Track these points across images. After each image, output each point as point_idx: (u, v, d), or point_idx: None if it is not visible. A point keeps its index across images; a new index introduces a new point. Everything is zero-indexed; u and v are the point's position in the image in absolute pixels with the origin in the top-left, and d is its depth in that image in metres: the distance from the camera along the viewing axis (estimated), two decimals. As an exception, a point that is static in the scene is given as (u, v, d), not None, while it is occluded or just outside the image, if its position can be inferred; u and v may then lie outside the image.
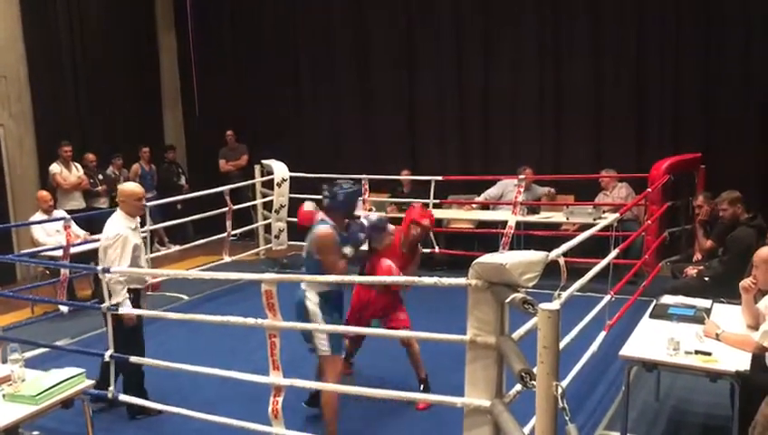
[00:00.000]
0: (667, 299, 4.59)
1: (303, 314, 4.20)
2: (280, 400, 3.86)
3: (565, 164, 8.84)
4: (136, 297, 4.80)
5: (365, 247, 4.70)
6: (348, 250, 4.37)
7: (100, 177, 9.66)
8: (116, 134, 10.51)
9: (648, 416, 4.51)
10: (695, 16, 8.42)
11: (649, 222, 7.03)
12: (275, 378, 3.88)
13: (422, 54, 10.21)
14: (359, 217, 4.58)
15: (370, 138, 10.50)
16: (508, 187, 8.70)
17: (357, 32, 10.62)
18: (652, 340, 3.88)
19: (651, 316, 4.35)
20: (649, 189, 6.96)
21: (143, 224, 8.23)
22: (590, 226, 6.16)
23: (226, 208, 8.69)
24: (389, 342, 4.98)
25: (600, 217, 7.44)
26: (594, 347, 4.78)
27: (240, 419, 3.94)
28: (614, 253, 5.62)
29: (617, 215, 5.96)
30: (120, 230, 4.73)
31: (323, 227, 4.24)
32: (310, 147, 10.59)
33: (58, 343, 5.58)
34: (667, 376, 4.69)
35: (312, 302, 4.18)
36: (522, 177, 8.15)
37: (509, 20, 9.50)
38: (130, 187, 5.10)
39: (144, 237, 8.25)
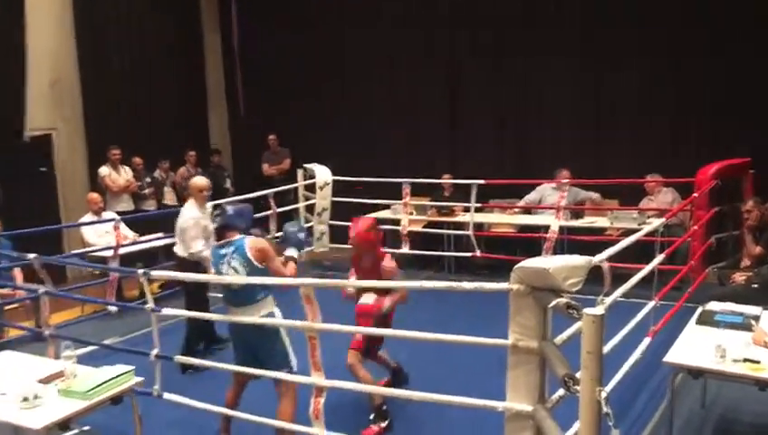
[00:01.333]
0: (713, 306, 4.51)
1: (268, 335, 4.15)
2: (321, 400, 3.90)
3: (609, 168, 8.71)
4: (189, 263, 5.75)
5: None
6: (291, 252, 4.48)
7: (148, 180, 9.88)
8: (163, 138, 10.72)
9: (693, 424, 4.44)
10: (742, 16, 8.23)
11: (695, 227, 6.90)
12: (317, 379, 3.93)
13: (464, 58, 10.22)
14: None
15: (412, 142, 10.53)
16: (546, 191, 8.65)
17: (401, 36, 10.66)
18: (698, 347, 3.82)
19: (697, 323, 4.28)
20: (696, 194, 6.84)
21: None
22: (634, 231, 6.07)
23: (270, 211, 8.81)
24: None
25: (645, 223, 7.34)
26: (638, 353, 4.72)
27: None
28: (659, 258, 5.54)
29: (662, 220, 5.88)
30: (193, 215, 5.87)
31: (248, 237, 4.25)
32: (352, 151, 10.63)
33: (106, 342, 5.71)
34: (714, 384, 4.61)
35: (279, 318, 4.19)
36: (565, 181, 8.09)
37: (551, 23, 9.44)
38: (196, 181, 6.19)
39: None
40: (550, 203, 8.42)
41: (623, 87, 9.01)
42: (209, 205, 6.39)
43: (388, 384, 4.93)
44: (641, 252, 6.16)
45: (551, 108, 9.52)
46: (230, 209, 4.32)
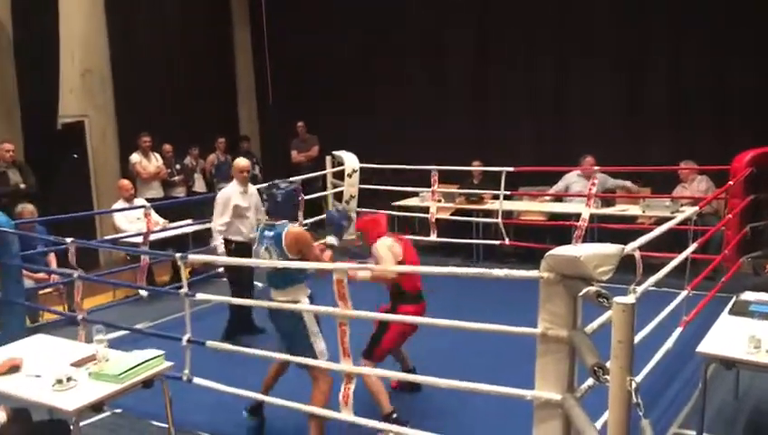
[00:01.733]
0: (747, 296, 4.43)
1: (298, 324, 4.14)
2: (351, 387, 3.91)
3: (642, 155, 8.59)
4: (239, 247, 6.00)
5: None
6: (331, 239, 4.61)
7: (178, 167, 9.97)
8: (193, 125, 10.80)
9: (725, 415, 4.37)
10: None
11: (730, 216, 6.78)
12: (346, 365, 3.94)
13: (494, 45, 10.14)
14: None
15: (442, 129, 10.47)
16: (571, 178, 8.57)
17: (431, 23, 10.62)
18: (731, 337, 3.76)
19: (731, 313, 4.21)
20: (731, 182, 6.71)
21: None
22: (667, 220, 5.98)
23: (300, 198, 8.83)
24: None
25: (678, 211, 7.22)
26: (670, 343, 4.66)
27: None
28: (692, 247, 5.45)
29: (696, 208, 5.78)
30: (227, 192, 6.16)
31: (291, 226, 4.25)
32: (380, 138, 10.63)
33: (137, 326, 5.79)
34: (747, 375, 4.53)
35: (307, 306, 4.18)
36: (596, 168, 7.98)
37: (586, 8, 9.30)
38: (238, 162, 6.43)
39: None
40: (576, 191, 8.33)
41: (658, 74, 8.86)
42: (253, 186, 6.56)
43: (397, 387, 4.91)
44: (674, 241, 6.08)
45: (584, 94, 9.41)
46: (279, 196, 4.31)
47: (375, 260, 4.58)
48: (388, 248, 4.56)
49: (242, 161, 6.42)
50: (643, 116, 9.08)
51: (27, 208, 6.99)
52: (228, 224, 6.14)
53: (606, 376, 2.39)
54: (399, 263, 4.53)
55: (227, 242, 6.14)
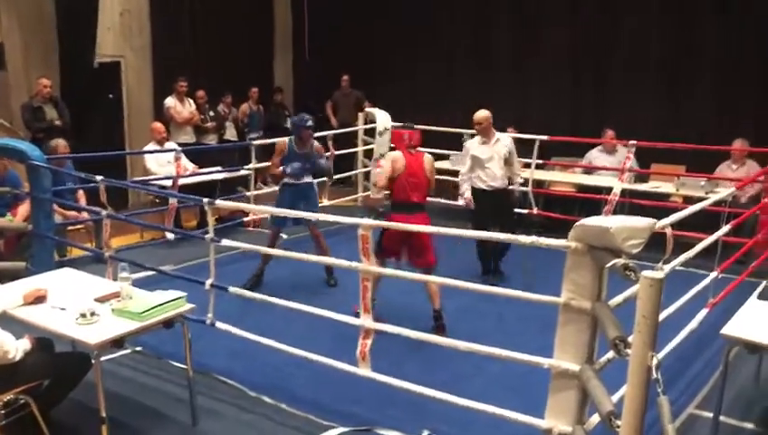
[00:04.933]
0: (778, 281, 4.33)
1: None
2: (369, 342, 3.92)
3: (676, 133, 8.39)
4: (480, 195, 6.40)
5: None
6: (288, 169, 6.12)
7: (211, 113, 9.97)
8: (227, 74, 10.77)
9: (744, 399, 4.32)
10: None
11: (766, 200, 6.62)
12: (366, 321, 3.95)
13: (536, 10, 9.91)
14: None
15: (479, 94, 10.28)
16: (593, 155, 8.47)
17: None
18: (758, 321, 3.68)
19: (759, 297, 4.12)
20: (771, 165, 6.55)
21: (248, 161, 8.51)
22: (700, 199, 5.86)
23: (328, 153, 8.80)
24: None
25: (713, 191, 7.07)
26: (694, 324, 4.59)
27: (328, 356, 4.06)
28: (724, 229, 5.34)
29: (731, 189, 5.64)
30: (468, 143, 6.75)
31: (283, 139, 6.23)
32: (415, 99, 10.52)
33: (163, 268, 5.85)
34: (770, 361, 4.47)
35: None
36: (632, 142, 7.81)
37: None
38: (475, 115, 6.38)
39: (248, 176, 8.56)
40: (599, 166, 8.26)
41: (702, 46, 8.63)
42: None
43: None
44: (707, 222, 5.95)
45: (626, 66, 9.18)
46: (290, 123, 5.95)
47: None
48: (391, 161, 5.31)
49: (480, 113, 6.38)
50: (682, 91, 8.85)
51: (60, 144, 7.04)
52: (470, 172, 6.46)
53: (627, 350, 2.36)
54: (398, 175, 5.24)
55: (473, 189, 6.48)
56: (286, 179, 6.30)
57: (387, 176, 5.29)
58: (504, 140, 6.46)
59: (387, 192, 5.54)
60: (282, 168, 6.18)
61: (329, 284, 6.40)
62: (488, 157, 6.36)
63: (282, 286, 6.04)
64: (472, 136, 7.00)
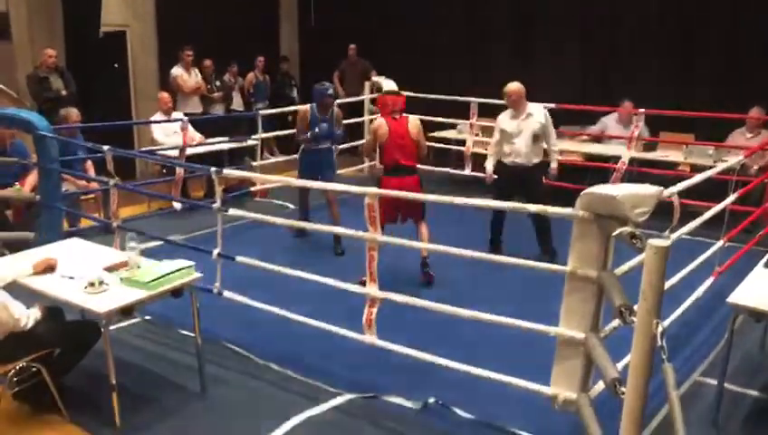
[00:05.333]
0: (785, 250, 4.32)
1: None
2: (374, 311, 3.95)
3: (686, 100, 8.30)
4: (504, 169, 6.30)
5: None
6: (309, 134, 6.55)
7: (218, 83, 9.94)
8: (233, 43, 10.69)
9: (750, 366, 4.34)
10: None
11: (775, 169, 6.58)
12: (371, 290, 3.97)
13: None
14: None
15: (487, 64, 10.21)
16: (608, 123, 8.42)
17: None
18: (764, 290, 3.68)
19: (766, 266, 4.12)
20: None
21: (254, 131, 8.50)
22: (709, 168, 5.82)
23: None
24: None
25: (722, 160, 7.02)
26: (700, 292, 4.60)
27: (334, 324, 4.10)
28: (731, 198, 5.32)
29: (739, 158, 5.60)
30: (500, 117, 6.37)
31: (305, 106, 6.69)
32: (423, 68, 10.39)
33: (171, 238, 5.88)
34: (776, 329, 4.48)
35: None
36: (641, 110, 7.75)
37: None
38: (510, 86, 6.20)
39: (254, 145, 8.56)
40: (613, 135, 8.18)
41: (708, 13, 8.50)
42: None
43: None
44: (716, 191, 5.92)
45: (633, 35, 9.05)
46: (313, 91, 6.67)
47: None
48: (373, 129, 5.72)
49: (511, 86, 6.19)
50: (691, 57, 8.75)
51: (73, 112, 7.02)
52: (497, 146, 6.33)
53: (632, 317, 2.37)
54: (385, 141, 5.59)
55: (498, 163, 6.38)
56: (306, 145, 6.71)
57: (370, 143, 5.91)
58: (537, 115, 6.14)
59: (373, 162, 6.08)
60: (309, 132, 6.57)
61: (336, 252, 6.43)
62: (516, 131, 6.15)
63: (290, 255, 6.08)
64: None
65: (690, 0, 8.75)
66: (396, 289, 4.01)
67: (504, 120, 6.25)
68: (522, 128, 6.15)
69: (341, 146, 8.14)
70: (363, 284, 4.06)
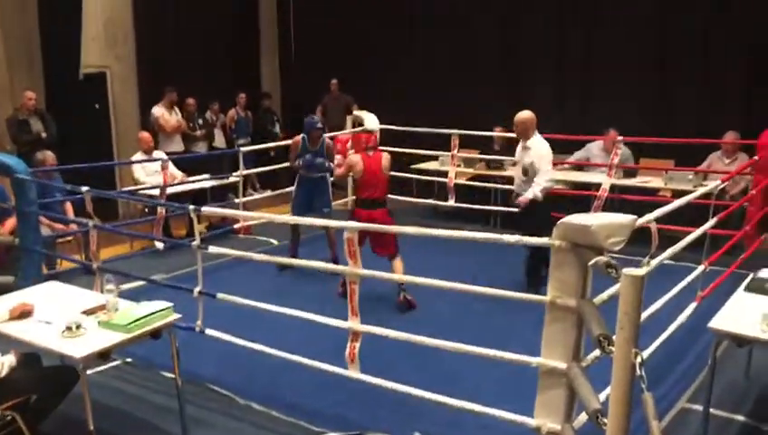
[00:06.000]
0: (765, 273, 4.33)
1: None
2: (357, 345, 3.92)
3: (664, 127, 8.40)
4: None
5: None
6: (299, 161, 6.91)
7: (200, 121, 9.95)
8: (214, 80, 10.75)
9: (735, 393, 4.33)
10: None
11: (753, 192, 6.64)
12: (353, 323, 3.94)
13: (522, 9, 9.94)
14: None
15: (466, 95, 10.28)
16: (593, 150, 8.46)
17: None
18: (745, 314, 3.68)
19: (746, 290, 4.12)
20: (756, 157, 6.56)
21: (237, 168, 8.50)
22: (689, 192, 5.86)
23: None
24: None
25: (701, 185, 7.09)
26: (683, 318, 4.60)
27: (318, 360, 4.06)
28: (711, 222, 5.35)
29: (717, 182, 5.65)
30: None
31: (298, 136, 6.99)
32: (403, 100, 10.46)
33: (153, 278, 5.83)
34: (761, 354, 4.47)
35: None
36: (620, 138, 7.82)
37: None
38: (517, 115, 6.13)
39: (236, 182, 8.56)
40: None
41: (683, 39, 8.66)
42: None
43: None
44: (697, 216, 5.96)
45: (611, 63, 9.18)
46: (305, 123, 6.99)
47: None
48: (348, 165, 6.10)
49: (518, 115, 6.11)
50: (667, 87, 8.88)
51: (49, 156, 7.01)
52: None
53: (611, 347, 2.35)
54: (359, 177, 5.94)
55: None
56: (301, 172, 7.01)
57: (342, 173, 6.53)
58: (533, 151, 5.99)
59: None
60: (297, 161, 6.96)
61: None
62: (517, 160, 6.29)
63: (273, 290, 6.03)
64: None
65: (666, 30, 8.90)
66: (376, 315, 3.99)
67: (517, 148, 6.31)
68: (520, 158, 6.20)
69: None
70: (343, 293, 4.05)
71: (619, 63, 9.13)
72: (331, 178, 7.41)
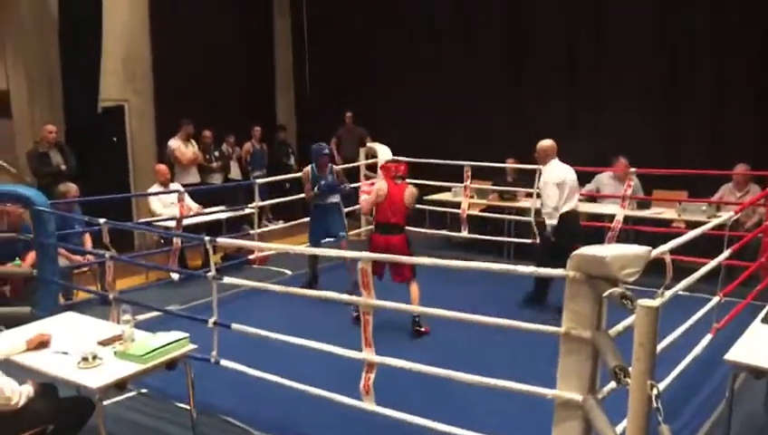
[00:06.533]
0: (782, 305, 4.30)
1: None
2: (372, 376, 3.92)
3: (675, 158, 8.42)
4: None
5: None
6: (315, 189, 7.01)
7: (216, 154, 10.07)
8: (230, 114, 10.88)
9: (753, 427, 4.26)
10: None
11: (767, 223, 6.61)
12: (368, 355, 3.94)
13: (532, 40, 10.04)
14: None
15: (479, 126, 10.36)
16: (603, 180, 8.46)
17: (469, 14, 10.55)
18: (762, 346, 3.66)
19: (763, 321, 4.09)
20: (771, 188, 6.54)
21: (251, 200, 8.57)
22: (703, 224, 5.85)
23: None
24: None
25: (715, 216, 7.06)
26: (698, 349, 4.56)
27: (332, 391, 4.06)
28: (726, 253, 5.33)
29: (731, 213, 5.64)
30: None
31: (307, 167, 7.15)
32: (417, 132, 10.53)
33: (168, 308, 5.85)
34: (779, 386, 4.42)
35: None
36: (632, 169, 7.83)
37: (624, 2, 9.18)
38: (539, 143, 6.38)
39: (252, 214, 8.62)
40: (608, 193, 8.22)
41: (696, 73, 8.69)
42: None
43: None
44: (712, 247, 5.94)
45: (621, 95, 9.22)
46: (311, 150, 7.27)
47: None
48: (376, 191, 6.16)
49: (540, 143, 6.43)
50: (679, 117, 8.91)
51: (72, 187, 7.12)
52: None
53: (627, 379, 2.35)
54: (381, 201, 6.07)
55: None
56: (315, 201, 7.22)
57: (370, 203, 6.23)
58: (543, 176, 6.34)
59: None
60: (315, 189, 7.10)
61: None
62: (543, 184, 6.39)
63: (288, 320, 6.03)
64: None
65: (675, 60, 8.95)
66: (390, 343, 3.98)
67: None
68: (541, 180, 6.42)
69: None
70: (357, 318, 4.06)
71: (627, 95, 9.18)
72: (345, 209, 7.50)
